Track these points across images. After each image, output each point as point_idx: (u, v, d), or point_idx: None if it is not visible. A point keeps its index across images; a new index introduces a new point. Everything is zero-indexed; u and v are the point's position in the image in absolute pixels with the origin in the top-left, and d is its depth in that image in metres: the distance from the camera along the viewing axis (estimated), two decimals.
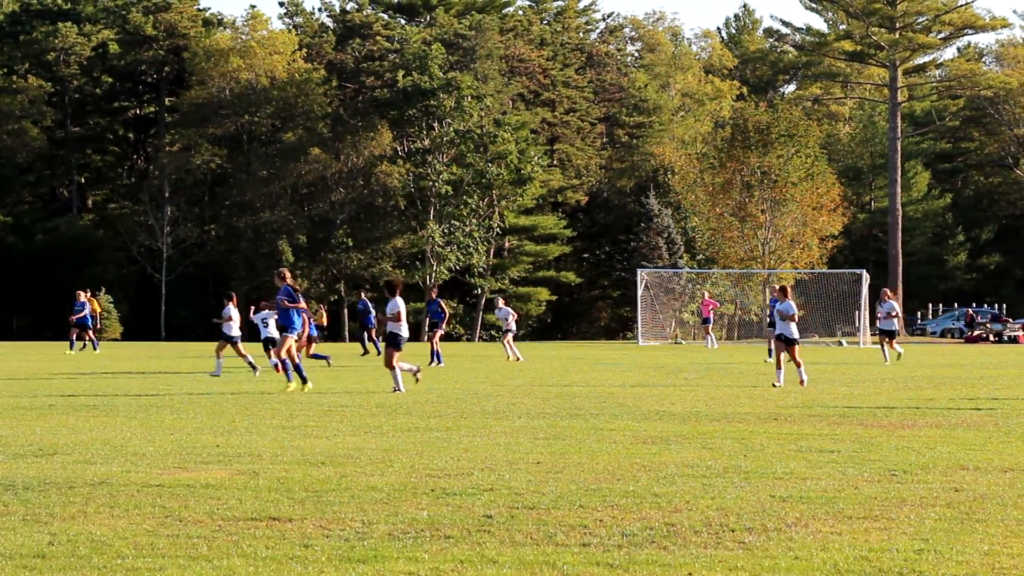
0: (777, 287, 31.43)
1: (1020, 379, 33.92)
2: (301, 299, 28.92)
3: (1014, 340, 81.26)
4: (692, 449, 16.68)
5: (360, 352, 51.96)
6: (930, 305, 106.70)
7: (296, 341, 28.53)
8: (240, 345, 35.77)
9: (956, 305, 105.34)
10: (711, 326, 67.18)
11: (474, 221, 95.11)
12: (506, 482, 13.52)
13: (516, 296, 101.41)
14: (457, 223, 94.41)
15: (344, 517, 11.50)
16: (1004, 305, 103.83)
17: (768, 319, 33.04)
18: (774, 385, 29.38)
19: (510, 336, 47.82)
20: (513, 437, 18.09)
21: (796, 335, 30.38)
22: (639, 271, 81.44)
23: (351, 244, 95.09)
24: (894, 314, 44.63)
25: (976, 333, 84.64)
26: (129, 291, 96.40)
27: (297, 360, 28.35)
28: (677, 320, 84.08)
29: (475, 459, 15.49)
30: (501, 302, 50.71)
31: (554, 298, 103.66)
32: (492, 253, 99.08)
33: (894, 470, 14.53)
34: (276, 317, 30.59)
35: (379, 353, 50.00)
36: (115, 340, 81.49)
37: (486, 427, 19.59)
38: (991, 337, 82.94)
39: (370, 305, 52.53)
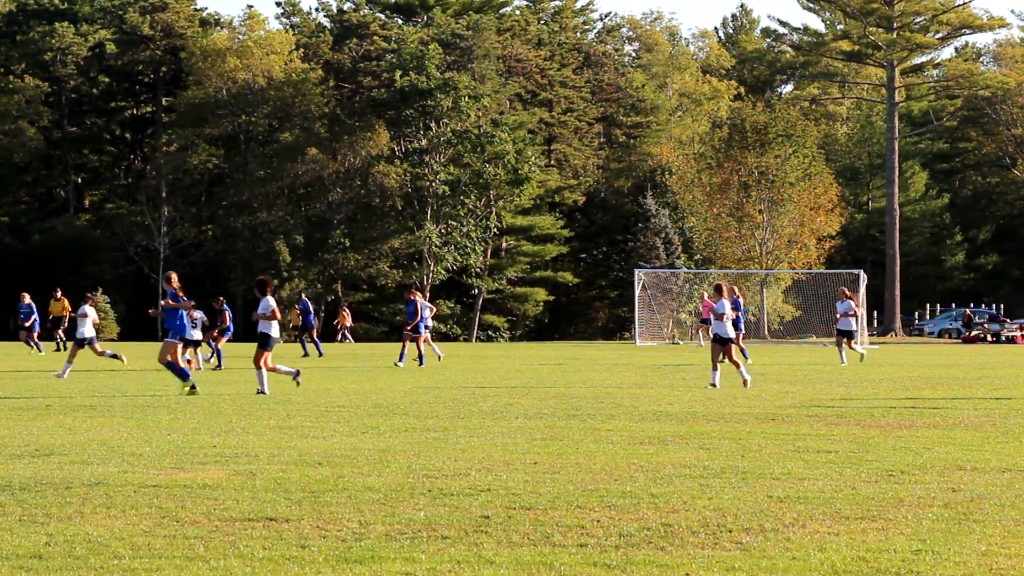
0: (712, 286, 31.23)
1: (1018, 379, 33.93)
2: (184, 301, 28.87)
3: (1012, 340, 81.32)
4: (689, 449, 16.68)
5: (300, 354, 50.34)
6: (928, 305, 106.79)
7: (180, 342, 28.45)
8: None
9: (954, 305, 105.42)
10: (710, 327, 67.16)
11: (471, 221, 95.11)
12: (503, 482, 13.51)
13: (513, 296, 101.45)
14: (454, 223, 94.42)
15: (341, 517, 11.49)
16: (1002, 305, 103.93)
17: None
18: (711, 386, 29.22)
19: (427, 335, 46.97)
20: (510, 437, 18.08)
21: (731, 334, 30.21)
22: (636, 271, 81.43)
23: (348, 244, 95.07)
24: (851, 313, 44.08)
25: (974, 333, 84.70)
26: (126, 291, 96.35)
27: (181, 360, 28.13)
28: (675, 320, 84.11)
29: (472, 459, 15.48)
30: (418, 296, 49.61)
31: (551, 298, 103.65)
32: (489, 253, 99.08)
33: (891, 470, 14.53)
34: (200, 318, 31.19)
35: (321, 354, 49.62)
36: (112, 340, 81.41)
37: (483, 427, 19.58)
38: (989, 337, 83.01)
39: (310, 305, 51.84)
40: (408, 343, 41.75)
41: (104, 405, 23.93)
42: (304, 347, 51.49)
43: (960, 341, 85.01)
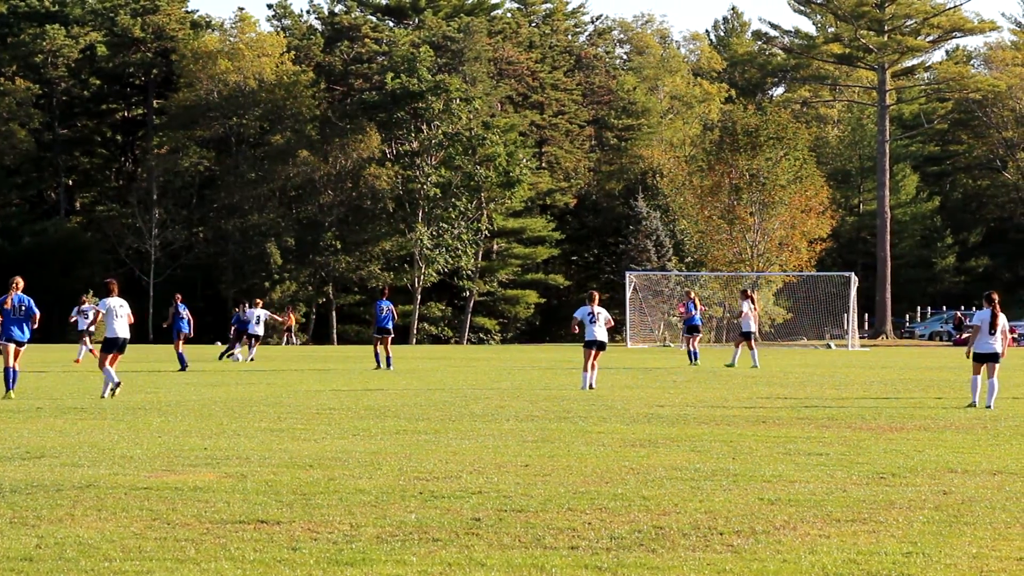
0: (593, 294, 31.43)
1: (1009, 383, 33.94)
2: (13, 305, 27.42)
3: None
4: (680, 452, 16.68)
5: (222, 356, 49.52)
6: (918, 308, 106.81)
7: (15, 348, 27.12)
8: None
9: (944, 308, 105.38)
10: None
11: (463, 224, 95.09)
12: (494, 485, 13.51)
13: (505, 298, 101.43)
14: (445, 225, 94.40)
15: (332, 520, 11.49)
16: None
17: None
18: (586, 388, 29.43)
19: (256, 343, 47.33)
20: (501, 440, 18.08)
21: (606, 339, 30.58)
22: (628, 274, 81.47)
23: (339, 247, 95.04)
24: (747, 313, 43.81)
25: (964, 336, 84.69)
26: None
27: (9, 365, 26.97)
28: (666, 323, 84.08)
29: (463, 462, 15.48)
30: (258, 305, 49.30)
31: (543, 301, 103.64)
32: (480, 256, 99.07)
33: (882, 473, 14.54)
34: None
35: (251, 359, 48.64)
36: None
37: (474, 430, 19.58)
38: None
39: (242, 315, 50.52)
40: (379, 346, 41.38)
41: (95, 407, 23.89)
42: (233, 349, 49.78)
43: (951, 343, 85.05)
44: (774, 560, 9.86)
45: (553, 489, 13.25)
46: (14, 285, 27.12)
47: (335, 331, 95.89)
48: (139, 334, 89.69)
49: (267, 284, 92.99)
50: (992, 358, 24.84)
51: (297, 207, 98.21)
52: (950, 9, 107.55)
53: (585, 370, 29.93)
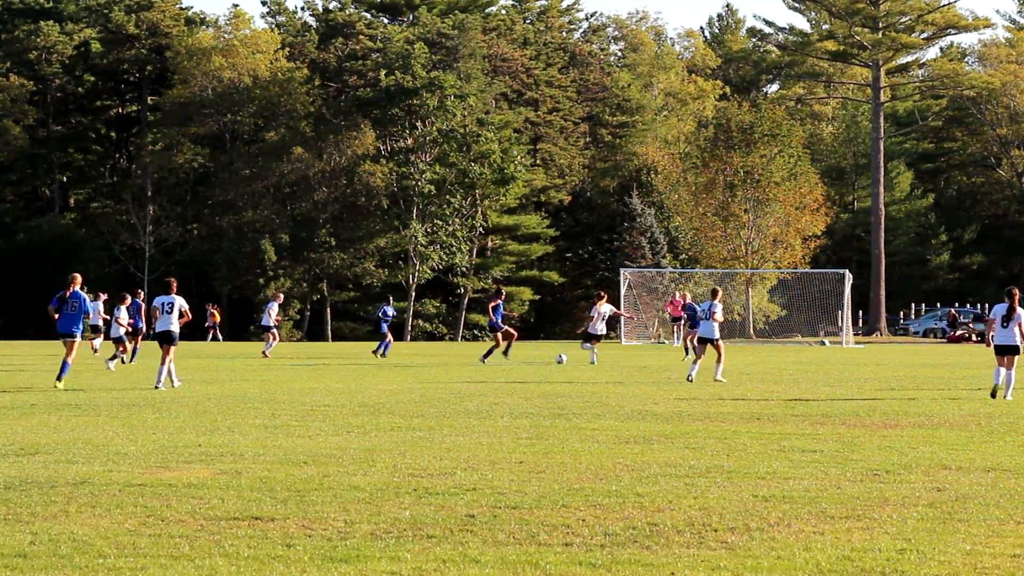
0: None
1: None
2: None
3: None
4: (675, 449, 16.69)
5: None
6: (913, 305, 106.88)
7: None
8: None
9: (939, 305, 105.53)
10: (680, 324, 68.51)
11: (457, 220, 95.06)
12: (489, 482, 13.52)
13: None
14: (440, 222, 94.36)
15: (326, 517, 11.49)
16: (986, 305, 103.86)
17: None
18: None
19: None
20: (496, 437, 18.08)
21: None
22: (622, 271, 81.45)
23: (334, 243, 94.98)
24: (603, 316, 43.71)
25: (958, 333, 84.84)
26: (111, 290, 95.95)
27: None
28: (660, 320, 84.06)
29: (458, 459, 15.49)
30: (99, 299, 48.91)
31: (537, 297, 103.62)
32: (475, 252, 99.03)
33: (876, 470, 14.55)
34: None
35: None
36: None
37: (469, 427, 19.58)
38: (973, 337, 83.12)
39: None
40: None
41: (89, 404, 23.89)
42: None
43: (945, 341, 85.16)
44: (768, 557, 9.87)
45: (547, 486, 13.26)
46: (72, 282, 29.38)
47: (330, 328, 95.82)
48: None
49: (261, 281, 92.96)
50: (1008, 350, 26.17)
51: (291, 204, 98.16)
52: (944, 6, 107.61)
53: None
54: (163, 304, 29.07)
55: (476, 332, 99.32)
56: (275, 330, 50.68)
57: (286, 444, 17.10)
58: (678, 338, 69.01)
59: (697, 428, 19.45)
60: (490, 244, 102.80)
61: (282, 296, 53.82)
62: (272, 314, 50.76)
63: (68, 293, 29.21)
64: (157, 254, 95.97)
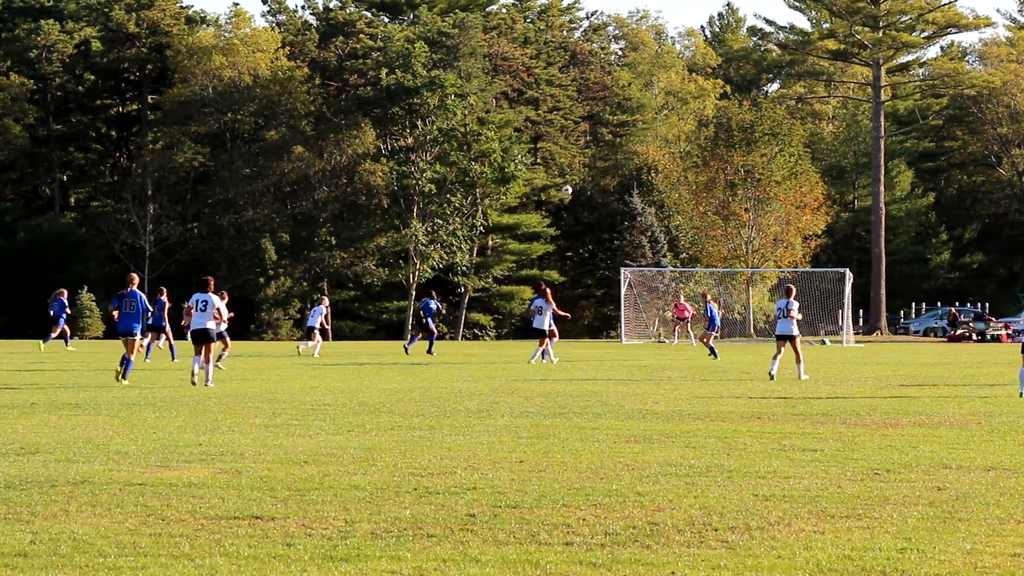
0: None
1: (1003, 378, 33.97)
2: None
3: (997, 339, 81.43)
4: (675, 448, 16.69)
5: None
6: (913, 304, 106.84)
7: None
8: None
9: (939, 304, 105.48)
10: (687, 325, 69.10)
11: (458, 219, 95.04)
12: (489, 481, 13.51)
13: (499, 295, 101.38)
14: (440, 221, 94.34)
15: (327, 516, 11.49)
16: (987, 304, 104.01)
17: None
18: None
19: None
20: (496, 436, 18.08)
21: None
22: (622, 270, 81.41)
23: (334, 242, 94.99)
24: (543, 313, 43.60)
25: (959, 332, 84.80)
26: (111, 289, 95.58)
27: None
28: (660, 319, 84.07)
29: (458, 458, 15.48)
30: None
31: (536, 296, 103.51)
32: (476, 251, 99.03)
33: (877, 469, 14.55)
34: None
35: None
36: (97, 338, 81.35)
37: (469, 426, 19.58)
38: (974, 336, 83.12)
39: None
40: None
41: (89, 403, 23.88)
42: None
43: (946, 340, 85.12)
44: (768, 556, 9.87)
45: (548, 485, 13.26)
46: (130, 282, 30.53)
47: (330, 327, 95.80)
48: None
49: (261, 280, 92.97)
50: None
51: (292, 203, 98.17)
52: (945, 5, 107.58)
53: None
54: (197, 302, 29.62)
55: (476, 331, 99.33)
56: (317, 332, 50.68)
57: (286, 443, 17.10)
58: (676, 337, 70.11)
59: (697, 427, 19.45)
60: (490, 243, 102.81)
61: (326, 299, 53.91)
62: (319, 316, 50.91)
63: (126, 292, 30.37)
64: (157, 253, 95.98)
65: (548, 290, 43.58)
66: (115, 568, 9.48)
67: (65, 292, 50.97)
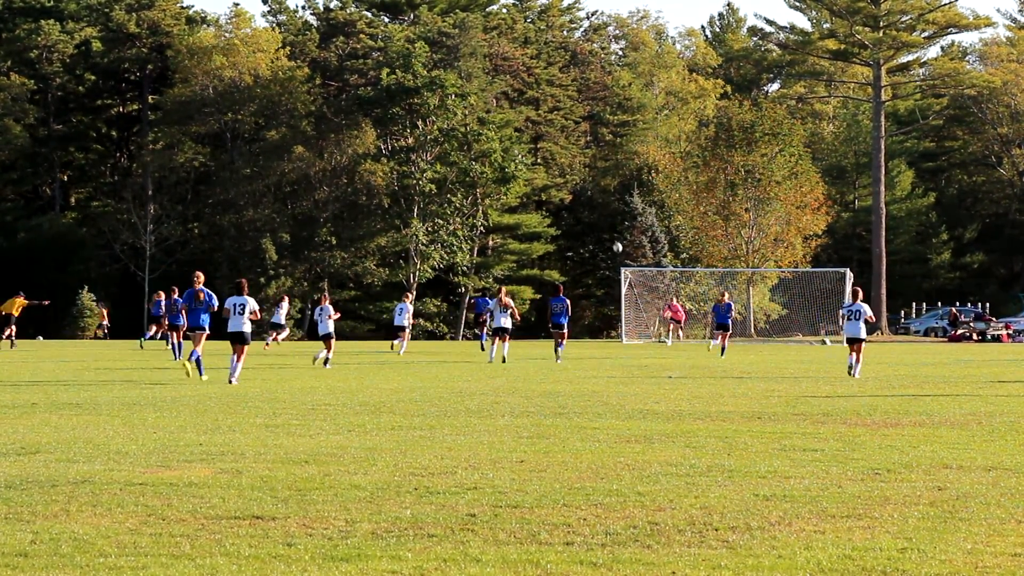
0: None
1: (1003, 378, 33.98)
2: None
3: (997, 339, 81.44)
4: (676, 448, 16.69)
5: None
6: (914, 304, 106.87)
7: None
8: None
9: (939, 304, 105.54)
10: (680, 325, 70.03)
11: (458, 219, 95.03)
12: (490, 481, 13.51)
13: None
14: (441, 221, 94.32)
15: (327, 516, 11.49)
16: (987, 304, 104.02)
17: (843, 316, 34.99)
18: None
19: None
20: (497, 436, 18.08)
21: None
22: (623, 270, 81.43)
23: (335, 242, 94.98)
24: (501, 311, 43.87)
25: (959, 332, 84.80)
26: (112, 289, 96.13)
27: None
28: (661, 319, 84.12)
29: (458, 458, 15.48)
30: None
31: (538, 296, 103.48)
32: (476, 251, 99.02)
33: (877, 469, 14.55)
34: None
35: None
36: (96, 338, 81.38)
37: (469, 426, 19.58)
38: (974, 336, 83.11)
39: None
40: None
41: (90, 403, 23.88)
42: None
43: (946, 340, 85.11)
44: (769, 556, 9.87)
45: (548, 485, 13.26)
46: (196, 279, 32.44)
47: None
48: (134, 330, 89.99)
49: (262, 280, 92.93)
50: None
51: (292, 203, 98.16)
52: (945, 5, 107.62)
53: None
54: (235, 305, 30.74)
55: (476, 331, 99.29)
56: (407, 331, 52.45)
57: (287, 443, 17.10)
58: (671, 337, 70.77)
59: (698, 427, 19.45)
60: (491, 243, 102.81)
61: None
62: (406, 314, 51.74)
63: (196, 289, 32.01)
64: (158, 253, 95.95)
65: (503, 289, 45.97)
66: (116, 568, 9.48)
67: (162, 294, 51.90)
